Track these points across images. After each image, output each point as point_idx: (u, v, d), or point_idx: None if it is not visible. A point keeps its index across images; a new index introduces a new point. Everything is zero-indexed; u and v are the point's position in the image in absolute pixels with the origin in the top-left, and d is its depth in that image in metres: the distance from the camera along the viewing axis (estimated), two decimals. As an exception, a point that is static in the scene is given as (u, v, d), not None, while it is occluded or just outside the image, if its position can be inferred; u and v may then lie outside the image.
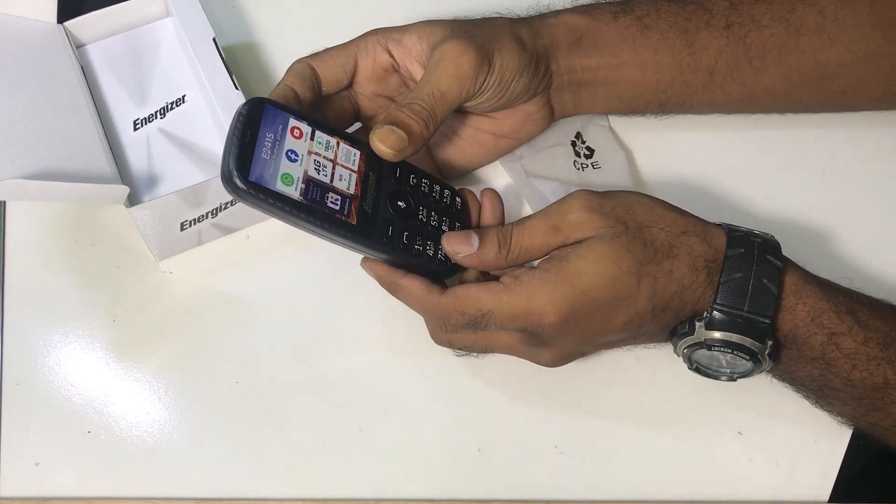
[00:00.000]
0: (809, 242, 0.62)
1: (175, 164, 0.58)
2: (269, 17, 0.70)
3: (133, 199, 0.56)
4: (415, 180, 0.53)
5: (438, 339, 0.54)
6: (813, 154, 0.65)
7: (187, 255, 0.60)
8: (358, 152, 0.51)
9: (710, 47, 0.59)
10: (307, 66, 0.54)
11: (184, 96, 0.61)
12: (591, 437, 0.57)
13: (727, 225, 0.52)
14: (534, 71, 0.56)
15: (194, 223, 0.58)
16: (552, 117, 0.61)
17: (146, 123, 0.60)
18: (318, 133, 0.50)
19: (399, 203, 0.52)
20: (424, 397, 0.57)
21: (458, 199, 0.55)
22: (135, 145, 0.59)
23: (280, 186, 0.48)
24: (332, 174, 0.50)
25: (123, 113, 0.60)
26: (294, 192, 0.48)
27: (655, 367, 0.58)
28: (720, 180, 0.64)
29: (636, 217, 0.50)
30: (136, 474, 0.55)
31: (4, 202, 0.62)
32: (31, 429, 0.55)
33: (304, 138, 0.49)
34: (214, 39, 0.60)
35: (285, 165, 0.48)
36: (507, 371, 0.58)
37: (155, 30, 0.64)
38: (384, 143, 0.50)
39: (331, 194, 0.49)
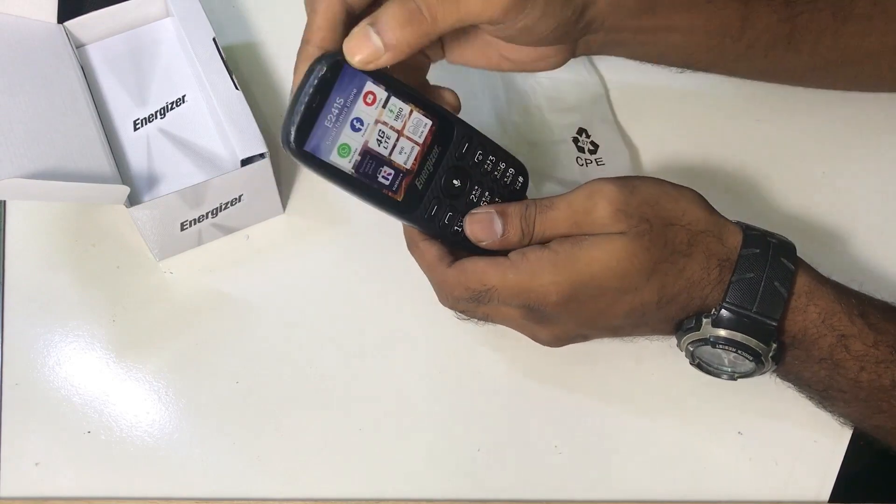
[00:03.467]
0: (809, 242, 0.62)
1: (175, 164, 0.58)
2: (269, 17, 0.70)
3: (133, 199, 0.56)
4: (480, 156, 0.51)
5: (443, 302, 0.53)
6: (813, 154, 0.65)
7: (187, 255, 0.60)
8: (429, 123, 0.49)
9: (760, 23, 0.57)
10: (334, 2, 0.48)
11: (184, 96, 0.61)
12: (591, 437, 0.57)
13: (744, 224, 0.51)
14: (572, 27, 0.52)
15: (194, 223, 0.58)
16: (566, 61, 0.57)
17: (146, 123, 0.60)
18: (392, 100, 0.48)
19: (454, 181, 0.50)
20: (424, 397, 0.57)
21: (520, 178, 0.53)
22: (135, 145, 0.59)
23: (334, 158, 0.47)
24: (394, 146, 0.49)
25: (123, 113, 0.60)
26: (347, 164, 0.48)
27: (656, 367, 0.58)
28: (722, 180, 0.64)
29: (661, 213, 0.49)
30: (136, 474, 0.55)
31: (4, 202, 0.62)
32: (31, 429, 0.55)
33: (375, 105, 0.48)
34: (214, 39, 0.60)
35: (346, 135, 0.48)
36: (507, 371, 0.58)
37: (155, 30, 0.64)
38: (347, 51, 0.45)
39: (384, 168, 0.49)
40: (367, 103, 0.48)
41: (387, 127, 0.48)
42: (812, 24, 0.58)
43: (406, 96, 0.49)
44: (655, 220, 0.49)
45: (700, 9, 0.56)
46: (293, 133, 0.46)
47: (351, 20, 0.48)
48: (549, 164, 0.62)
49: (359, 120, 0.48)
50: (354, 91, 0.47)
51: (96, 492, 0.54)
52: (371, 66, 0.46)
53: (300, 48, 0.48)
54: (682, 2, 0.56)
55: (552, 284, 0.48)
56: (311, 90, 0.46)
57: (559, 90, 0.66)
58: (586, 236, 0.49)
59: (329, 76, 0.46)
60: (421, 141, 0.49)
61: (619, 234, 0.48)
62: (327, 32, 0.48)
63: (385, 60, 0.46)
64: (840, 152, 0.66)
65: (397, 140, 0.49)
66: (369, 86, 0.47)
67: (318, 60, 0.46)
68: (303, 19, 0.69)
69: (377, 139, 0.48)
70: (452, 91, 0.51)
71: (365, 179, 0.48)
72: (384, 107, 0.48)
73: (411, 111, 0.49)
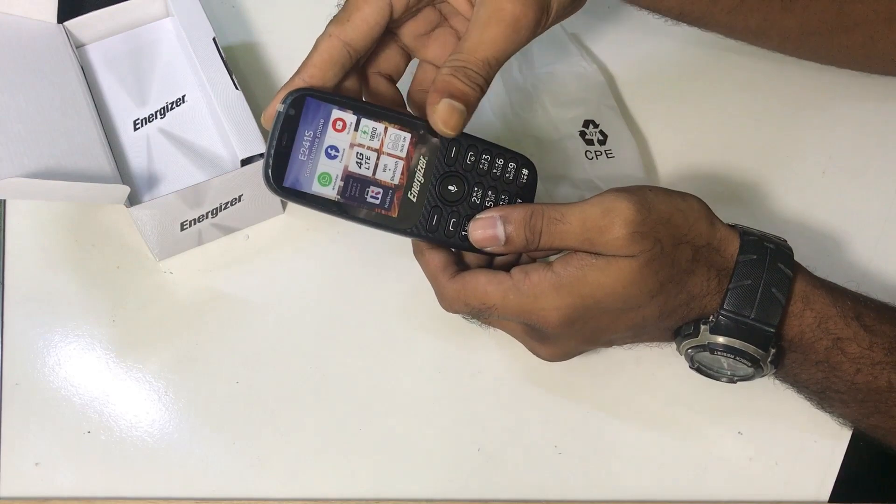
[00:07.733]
0: (808, 242, 0.62)
1: (175, 164, 0.58)
2: (269, 17, 0.70)
3: (133, 199, 0.56)
4: (473, 157, 0.50)
5: (445, 309, 0.52)
6: (814, 153, 0.65)
7: (187, 255, 0.60)
8: (408, 135, 0.49)
9: None
10: (335, 43, 0.49)
11: (184, 96, 0.61)
12: (591, 437, 0.57)
13: (742, 228, 0.51)
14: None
15: (194, 223, 0.58)
16: None
17: (146, 123, 0.60)
18: (363, 122, 0.48)
19: (450, 188, 0.50)
20: (424, 397, 0.57)
21: (524, 171, 0.51)
22: (135, 145, 0.59)
23: (316, 188, 0.48)
24: (376, 165, 0.49)
25: (123, 113, 0.60)
26: (331, 191, 0.48)
27: (656, 367, 0.58)
28: (722, 180, 0.64)
29: (672, 230, 0.48)
30: (136, 474, 0.55)
31: (4, 201, 0.62)
32: (31, 429, 0.55)
33: (347, 130, 0.48)
34: (214, 39, 0.60)
35: (323, 164, 0.48)
36: (507, 371, 0.58)
37: (155, 30, 0.64)
38: (447, 126, 0.47)
39: (372, 188, 0.49)
40: (337, 130, 0.48)
41: (364, 148, 0.49)
42: None
43: (376, 115, 0.49)
44: (666, 240, 0.48)
45: None
46: (270, 173, 0.47)
47: (351, 63, 0.49)
48: (557, 162, 0.61)
49: (333, 147, 0.48)
50: (322, 122, 0.48)
51: (96, 492, 0.54)
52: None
53: (290, 79, 0.49)
54: None
55: (554, 309, 0.48)
56: (278, 129, 0.47)
57: (560, 83, 0.66)
58: (593, 259, 0.48)
59: (293, 112, 0.47)
60: (403, 154, 0.49)
61: (630, 258, 0.47)
62: (318, 70, 0.49)
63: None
64: (841, 152, 0.66)
65: (378, 159, 0.49)
66: (336, 113, 0.48)
67: (283, 100, 0.47)
68: (302, 19, 0.70)
69: (356, 162, 0.49)
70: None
71: (353, 203, 0.49)
72: (356, 129, 0.49)
73: (386, 128, 0.49)
